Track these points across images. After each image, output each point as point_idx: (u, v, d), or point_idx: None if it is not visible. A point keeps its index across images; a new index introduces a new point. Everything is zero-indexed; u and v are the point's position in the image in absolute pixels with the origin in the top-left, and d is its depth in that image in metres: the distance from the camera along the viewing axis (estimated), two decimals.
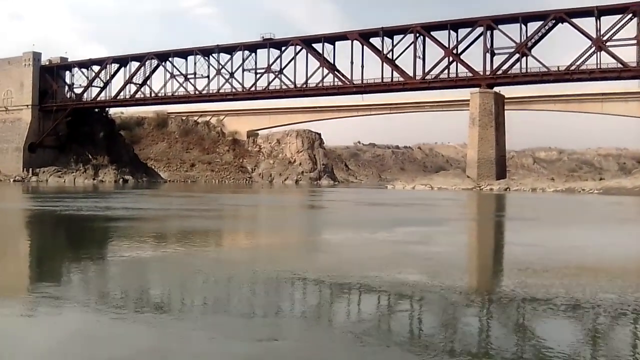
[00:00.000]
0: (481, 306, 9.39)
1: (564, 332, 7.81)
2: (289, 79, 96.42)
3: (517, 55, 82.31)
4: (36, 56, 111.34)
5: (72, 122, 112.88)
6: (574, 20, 79.11)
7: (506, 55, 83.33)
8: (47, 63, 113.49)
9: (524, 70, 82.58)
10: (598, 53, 77.17)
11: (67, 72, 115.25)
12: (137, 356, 6.66)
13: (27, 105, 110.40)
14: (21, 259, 14.89)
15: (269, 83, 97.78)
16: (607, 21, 77.63)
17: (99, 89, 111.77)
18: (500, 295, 10.15)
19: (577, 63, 78.38)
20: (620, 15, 76.41)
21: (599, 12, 77.07)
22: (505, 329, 8.05)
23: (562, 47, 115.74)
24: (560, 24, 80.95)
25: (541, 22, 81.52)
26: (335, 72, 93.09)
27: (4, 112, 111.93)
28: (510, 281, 11.25)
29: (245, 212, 35.96)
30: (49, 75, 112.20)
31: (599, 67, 77.60)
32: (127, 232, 20.76)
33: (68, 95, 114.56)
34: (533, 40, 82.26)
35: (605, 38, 76.98)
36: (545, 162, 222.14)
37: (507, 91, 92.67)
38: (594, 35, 77.13)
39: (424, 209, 38.11)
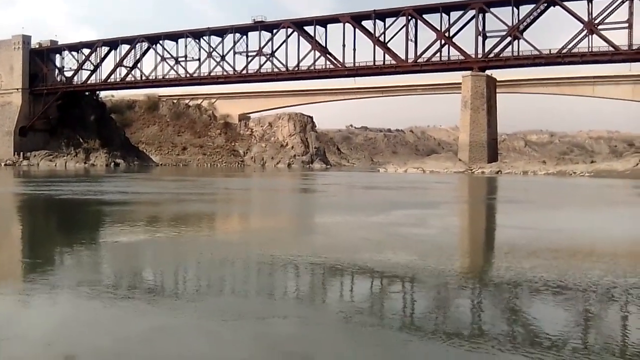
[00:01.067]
0: (472, 288, 9.46)
1: (555, 314, 7.87)
2: (280, 62, 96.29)
3: (509, 39, 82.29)
4: (26, 39, 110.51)
5: (63, 106, 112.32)
6: (566, 3, 79.04)
7: (498, 39, 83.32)
8: (37, 46, 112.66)
9: (515, 54, 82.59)
10: (590, 36, 77.26)
11: (58, 56, 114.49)
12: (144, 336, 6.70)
13: (17, 89, 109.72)
14: (16, 245, 14.88)
15: (261, 66, 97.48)
16: (599, 4, 77.89)
17: (89, 72, 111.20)
18: (491, 277, 10.24)
19: (569, 46, 78.49)
20: None
21: None
22: (496, 310, 8.11)
23: (554, 30, 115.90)
24: (552, 7, 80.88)
25: (533, 5, 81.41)
26: (327, 55, 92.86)
27: None
28: (501, 263, 11.33)
29: (240, 195, 35.96)
30: (39, 59, 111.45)
31: (590, 50, 77.70)
32: (125, 216, 20.75)
33: (58, 79, 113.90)
34: (525, 24, 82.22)
35: (597, 21, 77.00)
36: (537, 145, 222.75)
37: (499, 74, 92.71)
38: (585, 19, 77.14)
39: (417, 192, 38.23)
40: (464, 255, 13.59)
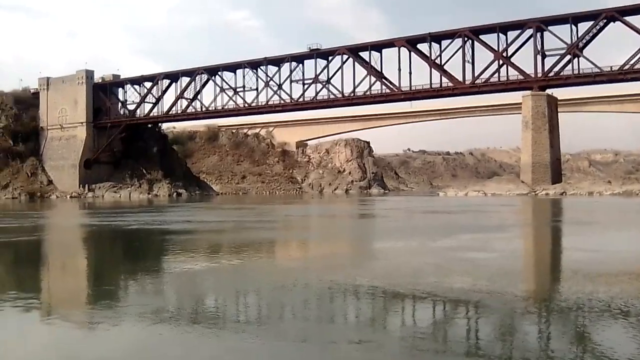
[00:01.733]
0: (538, 313, 9.18)
1: (623, 338, 7.54)
2: (336, 89, 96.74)
3: (568, 57, 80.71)
4: (89, 74, 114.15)
5: (126, 138, 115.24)
6: (626, 18, 77.20)
7: (557, 57, 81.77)
8: (100, 81, 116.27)
9: (576, 72, 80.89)
10: None
11: (120, 89, 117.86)
12: None
13: (82, 123, 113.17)
14: (82, 274, 15.23)
15: (317, 93, 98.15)
16: None
17: (151, 104, 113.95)
18: (556, 301, 9.91)
19: (631, 62, 76.45)
20: None
21: None
22: (562, 336, 7.84)
23: (615, 46, 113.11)
24: (612, 23, 79.10)
25: (592, 22, 79.78)
26: (383, 79, 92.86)
27: (59, 130, 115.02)
28: (568, 287, 10.98)
29: (303, 222, 36.06)
30: (102, 93, 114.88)
31: None
32: (194, 244, 21.02)
33: (121, 112, 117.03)
34: (584, 41, 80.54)
35: None
36: (601, 165, 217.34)
37: (560, 93, 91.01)
38: None
39: (479, 216, 37.59)
40: (529, 280, 13.25)
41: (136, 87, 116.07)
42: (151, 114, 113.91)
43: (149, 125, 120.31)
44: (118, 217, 39.02)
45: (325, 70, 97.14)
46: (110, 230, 28.51)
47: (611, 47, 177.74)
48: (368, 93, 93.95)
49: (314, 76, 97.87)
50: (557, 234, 25.54)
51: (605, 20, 79.10)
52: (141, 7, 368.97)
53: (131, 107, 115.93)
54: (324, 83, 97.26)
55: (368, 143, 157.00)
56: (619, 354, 6.83)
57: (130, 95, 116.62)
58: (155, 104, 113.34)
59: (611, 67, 78.61)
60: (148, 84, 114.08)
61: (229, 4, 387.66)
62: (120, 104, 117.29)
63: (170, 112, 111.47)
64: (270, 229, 28.88)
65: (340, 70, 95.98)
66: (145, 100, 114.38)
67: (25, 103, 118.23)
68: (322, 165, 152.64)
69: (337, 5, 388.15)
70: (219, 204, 68.37)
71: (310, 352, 7.09)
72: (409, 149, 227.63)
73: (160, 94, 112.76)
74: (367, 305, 9.97)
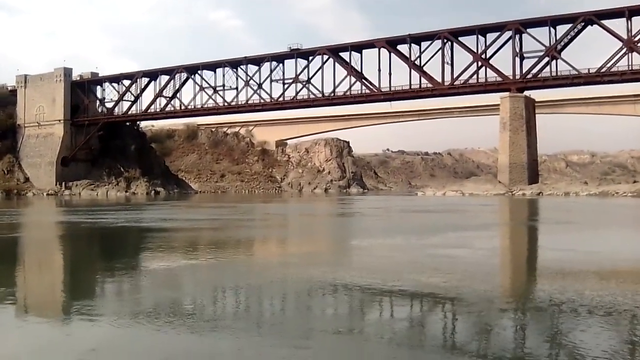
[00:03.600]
0: (514, 310, 9.28)
1: (598, 337, 7.62)
2: (316, 88, 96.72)
3: (546, 59, 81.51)
4: (67, 72, 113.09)
5: (104, 136, 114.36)
6: (604, 21, 78.10)
7: (536, 59, 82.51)
8: (78, 78, 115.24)
9: (554, 74, 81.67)
10: (629, 54, 76.09)
11: (98, 87, 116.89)
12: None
13: (59, 120, 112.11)
14: (58, 272, 15.11)
15: (297, 93, 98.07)
16: (638, 21, 76.59)
17: (129, 103, 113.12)
18: (534, 299, 10.04)
19: (608, 65, 77.36)
20: None
21: (630, 13, 75.97)
22: (536, 333, 7.93)
23: (592, 49, 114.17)
24: (590, 26, 79.99)
25: (570, 25, 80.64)
26: (363, 80, 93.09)
27: (37, 127, 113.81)
28: (545, 285, 11.11)
29: (283, 220, 36.01)
30: (80, 91, 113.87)
31: (630, 68, 76.48)
32: (179, 241, 20.93)
33: (99, 110, 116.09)
34: (563, 43, 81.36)
35: (636, 39, 75.86)
36: (578, 166, 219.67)
37: (537, 95, 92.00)
38: (624, 36, 76.10)
39: (457, 216, 37.83)
40: (507, 278, 13.38)
41: (114, 85, 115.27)
42: (129, 112, 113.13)
43: (127, 124, 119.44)
44: (95, 215, 38.70)
45: (306, 70, 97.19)
46: (88, 228, 28.29)
47: (589, 50, 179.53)
48: (348, 93, 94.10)
49: (294, 76, 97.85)
50: (534, 233, 25.79)
51: (583, 23, 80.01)
52: (121, 5, 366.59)
53: (109, 105, 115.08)
54: (304, 83, 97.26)
55: (348, 143, 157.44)
56: (590, 350, 6.92)
57: (109, 93, 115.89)
58: (133, 102, 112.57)
59: (589, 70, 79.53)
60: (127, 82, 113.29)
61: (210, 4, 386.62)
62: (98, 102, 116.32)
63: (149, 111, 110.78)
64: (250, 227, 28.84)
65: (320, 70, 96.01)
66: (124, 99, 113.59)
67: (3, 100, 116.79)
68: (302, 164, 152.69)
69: (319, 6, 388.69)
70: (198, 203, 68.11)
71: (286, 345, 7.13)
72: (388, 149, 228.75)
73: (138, 92, 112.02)
74: (344, 300, 10.01)
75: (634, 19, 76.28)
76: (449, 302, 9.73)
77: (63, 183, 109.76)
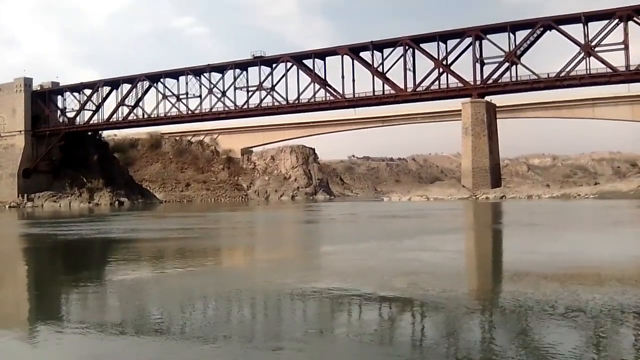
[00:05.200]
0: (482, 310, 9.47)
1: (565, 338, 7.79)
2: (280, 96, 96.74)
3: (506, 64, 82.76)
4: (27, 82, 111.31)
5: (66, 147, 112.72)
6: (562, 27, 79.65)
7: (496, 65, 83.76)
8: (39, 88, 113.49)
9: (514, 79, 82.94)
10: (587, 59, 77.67)
11: (59, 97, 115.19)
12: None
13: (20, 131, 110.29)
14: (22, 285, 14.92)
15: (261, 100, 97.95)
16: (595, 27, 78.30)
17: (91, 112, 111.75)
18: (499, 301, 10.24)
19: (567, 69, 78.82)
20: (607, 21, 77.01)
21: (586, 19, 77.60)
22: (503, 335, 8.11)
23: (551, 54, 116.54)
24: (548, 32, 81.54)
25: (529, 30, 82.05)
26: (327, 87, 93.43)
27: None
28: (510, 287, 11.35)
29: (251, 228, 35.90)
30: (41, 101, 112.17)
31: (588, 72, 78.05)
32: (146, 252, 20.76)
33: (61, 120, 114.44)
34: (522, 49, 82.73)
35: (593, 44, 77.49)
36: (540, 169, 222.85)
37: (498, 100, 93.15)
38: (582, 42, 77.69)
39: (423, 220, 38.18)
40: (474, 280, 13.59)
41: (76, 94, 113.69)
42: (91, 122, 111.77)
43: (89, 133, 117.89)
44: (58, 226, 38.14)
45: (270, 77, 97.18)
46: (52, 241, 27.88)
47: (548, 55, 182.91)
48: (312, 100, 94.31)
49: (258, 83, 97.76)
50: (499, 236, 26.17)
51: (542, 29, 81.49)
52: (82, 12, 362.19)
53: (71, 114, 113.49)
54: (269, 90, 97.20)
55: (313, 150, 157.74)
56: (556, 351, 7.10)
57: (70, 103, 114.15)
58: (95, 112, 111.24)
59: (548, 74, 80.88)
60: (88, 92, 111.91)
61: (175, 11, 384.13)
62: (59, 112, 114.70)
63: (111, 120, 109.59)
64: (222, 237, 28.73)
65: (284, 78, 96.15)
66: (85, 108, 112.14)
67: None
68: (268, 172, 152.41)
69: (284, 13, 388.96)
70: (164, 212, 67.51)
71: (259, 348, 7.19)
72: (353, 155, 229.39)
73: (100, 101, 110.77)
74: (314, 305, 10.09)
75: (590, 24, 77.99)
76: (415, 303, 9.88)
77: (25, 195, 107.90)
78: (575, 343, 7.38)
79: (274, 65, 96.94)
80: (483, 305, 9.86)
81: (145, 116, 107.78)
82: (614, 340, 7.61)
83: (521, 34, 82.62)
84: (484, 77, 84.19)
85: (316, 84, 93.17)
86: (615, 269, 13.44)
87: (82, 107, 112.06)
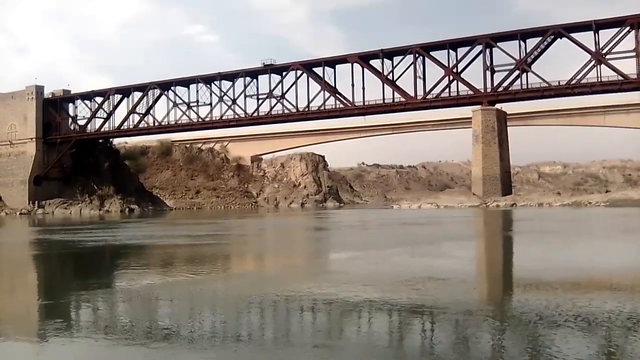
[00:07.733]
0: (492, 319, 9.44)
1: (578, 347, 7.75)
2: (290, 104, 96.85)
3: (517, 72, 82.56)
4: (39, 89, 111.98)
5: (77, 154, 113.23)
6: (573, 34, 79.45)
7: (506, 72, 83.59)
8: (50, 96, 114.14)
9: (524, 86, 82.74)
10: (598, 66, 77.37)
11: (70, 104, 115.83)
12: None
13: (31, 139, 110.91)
14: (33, 291, 14.98)
15: (271, 108, 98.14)
16: (606, 35, 78.00)
17: (102, 120, 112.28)
18: (510, 309, 10.20)
19: (578, 77, 78.56)
20: (618, 29, 76.78)
21: (597, 26, 77.37)
22: (514, 344, 8.08)
23: (562, 61, 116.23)
24: (559, 39, 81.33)
25: (540, 38, 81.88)
26: (337, 94, 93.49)
27: (9, 146, 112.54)
28: (520, 294, 11.30)
29: (265, 235, 35.93)
30: (52, 108, 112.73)
31: (599, 80, 77.73)
32: (154, 259, 20.82)
33: (72, 127, 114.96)
34: (533, 56, 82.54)
35: (604, 51, 77.22)
36: (550, 177, 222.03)
37: (509, 107, 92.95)
38: (593, 49, 77.44)
39: (434, 228, 38.09)
40: (485, 289, 13.55)
41: (87, 102, 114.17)
42: (102, 129, 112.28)
43: (100, 141, 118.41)
44: (68, 233, 38.30)
45: (280, 85, 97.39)
46: (62, 247, 28.00)
47: (559, 63, 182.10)
48: (322, 108, 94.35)
49: (268, 91, 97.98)
50: (510, 243, 26.08)
51: (552, 37, 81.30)
52: (94, 21, 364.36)
53: (82, 122, 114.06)
54: (279, 98, 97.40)
55: (323, 157, 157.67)
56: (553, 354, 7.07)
57: (81, 110, 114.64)
58: (106, 119, 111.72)
59: (559, 82, 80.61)
60: (99, 99, 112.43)
61: (185, 19, 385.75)
62: (70, 120, 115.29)
63: (122, 127, 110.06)
64: (229, 244, 28.76)
65: (294, 86, 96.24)
66: (96, 116, 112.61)
67: None
68: (278, 179, 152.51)
69: (294, 21, 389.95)
70: (174, 219, 67.67)
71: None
72: (363, 163, 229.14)
73: (111, 109, 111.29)
74: (325, 313, 10.09)
75: (601, 32, 77.71)
76: (428, 310, 9.86)
77: (36, 202, 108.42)
78: (589, 352, 7.35)
79: (284, 73, 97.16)
80: (493, 313, 9.82)
81: (156, 124, 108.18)
82: (625, 350, 7.57)
83: (532, 42, 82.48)
84: (495, 84, 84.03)
85: (326, 92, 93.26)
86: (626, 277, 13.37)
87: (94, 115, 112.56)
